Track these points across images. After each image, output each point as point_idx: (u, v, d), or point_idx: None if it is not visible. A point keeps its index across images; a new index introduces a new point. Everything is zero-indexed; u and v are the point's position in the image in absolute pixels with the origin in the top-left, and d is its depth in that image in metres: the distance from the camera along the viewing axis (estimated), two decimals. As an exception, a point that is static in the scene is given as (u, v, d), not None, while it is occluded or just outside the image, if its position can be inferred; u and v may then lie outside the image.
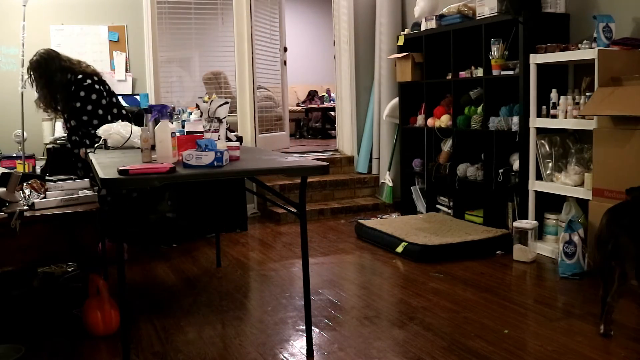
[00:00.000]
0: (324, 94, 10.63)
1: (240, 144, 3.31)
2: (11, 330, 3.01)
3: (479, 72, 4.61)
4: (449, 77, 4.96)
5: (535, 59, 4.01)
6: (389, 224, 4.72)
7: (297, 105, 10.48)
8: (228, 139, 3.16)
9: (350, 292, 3.50)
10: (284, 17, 6.78)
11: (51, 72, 3.99)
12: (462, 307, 3.18)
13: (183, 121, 3.42)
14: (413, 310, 3.15)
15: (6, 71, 5.22)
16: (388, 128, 6.00)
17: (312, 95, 10.64)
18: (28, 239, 2.99)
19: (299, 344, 2.77)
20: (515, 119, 4.27)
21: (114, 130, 3.68)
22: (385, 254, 4.28)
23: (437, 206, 5.34)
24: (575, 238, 3.60)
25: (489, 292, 3.40)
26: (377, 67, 6.17)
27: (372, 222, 4.81)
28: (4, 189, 3.14)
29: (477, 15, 4.58)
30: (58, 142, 4.79)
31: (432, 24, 5.08)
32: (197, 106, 3.41)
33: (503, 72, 4.37)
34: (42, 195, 3.23)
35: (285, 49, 6.75)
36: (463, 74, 4.81)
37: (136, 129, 3.74)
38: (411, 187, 5.67)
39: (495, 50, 4.40)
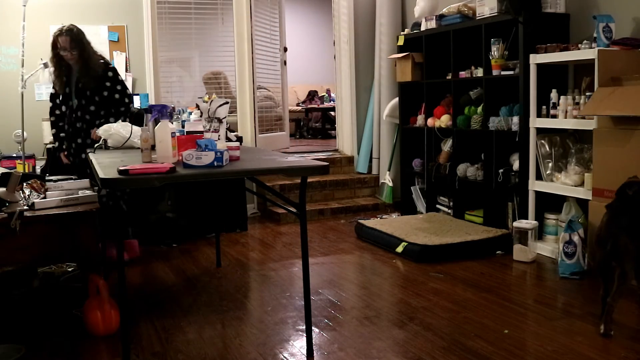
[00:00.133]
0: (324, 94, 10.63)
1: (240, 144, 3.31)
2: (11, 330, 3.01)
3: (479, 72, 4.61)
4: (449, 77, 4.96)
5: (535, 59, 4.01)
6: (389, 224, 4.71)
7: (297, 105, 10.48)
8: (228, 139, 3.16)
9: (350, 292, 3.50)
10: (284, 17, 6.78)
11: (90, 46, 3.97)
12: (462, 307, 3.18)
13: (183, 121, 3.42)
14: (413, 310, 3.15)
15: (6, 71, 5.22)
16: (388, 128, 6.00)
17: (312, 95, 10.64)
18: (28, 239, 2.99)
19: (299, 344, 2.77)
20: (515, 119, 4.27)
21: (114, 130, 3.68)
22: (385, 254, 4.28)
23: (437, 206, 5.34)
24: (575, 238, 3.60)
25: (489, 292, 3.40)
26: (377, 67, 6.17)
27: (372, 222, 4.81)
28: (4, 189, 3.14)
29: (477, 15, 4.58)
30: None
31: (432, 24, 5.08)
32: (197, 106, 3.41)
33: (503, 72, 4.38)
34: (42, 195, 3.23)
35: (285, 49, 6.75)
36: (463, 74, 4.81)
37: (136, 129, 3.74)
38: (411, 187, 5.67)
39: (495, 50, 4.40)
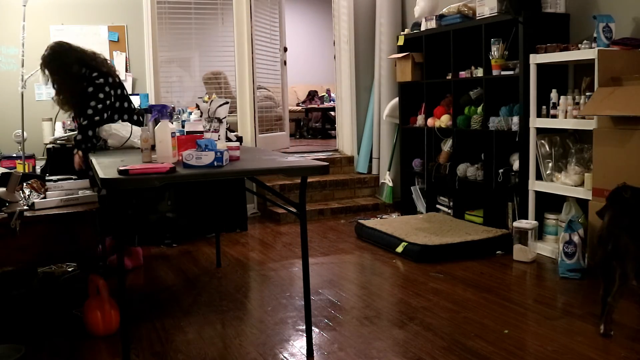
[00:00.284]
0: (324, 94, 10.63)
1: (240, 144, 3.31)
2: (11, 330, 3.01)
3: (479, 72, 4.61)
4: (449, 77, 4.96)
5: (535, 59, 4.01)
6: (389, 224, 4.71)
7: (297, 105, 10.48)
8: (228, 139, 3.16)
9: (350, 292, 3.50)
10: (284, 17, 6.78)
11: (66, 65, 3.80)
12: (462, 307, 3.18)
13: (183, 121, 3.43)
14: (413, 310, 3.15)
15: (6, 71, 5.22)
16: (388, 128, 6.00)
17: (312, 95, 10.64)
18: (28, 239, 2.99)
19: (299, 344, 2.77)
20: (515, 119, 4.26)
21: (114, 130, 3.68)
22: (385, 254, 4.28)
23: (437, 206, 5.34)
24: (575, 238, 3.60)
25: (489, 292, 3.40)
26: (377, 67, 6.17)
27: (372, 222, 4.81)
28: (4, 189, 3.14)
29: (477, 15, 4.57)
30: (58, 142, 4.79)
31: (432, 24, 5.08)
32: (197, 106, 3.42)
33: (503, 72, 4.37)
34: (42, 195, 3.23)
35: (285, 49, 6.75)
36: (463, 74, 4.81)
37: (136, 129, 3.73)
38: (411, 187, 5.67)
39: (495, 50, 4.40)
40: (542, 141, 4.10)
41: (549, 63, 3.98)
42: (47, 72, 3.84)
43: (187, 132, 2.97)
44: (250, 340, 2.83)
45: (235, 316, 3.15)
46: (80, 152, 3.77)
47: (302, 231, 2.66)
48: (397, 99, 5.71)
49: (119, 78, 4.03)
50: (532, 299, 3.26)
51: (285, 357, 2.64)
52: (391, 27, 6.00)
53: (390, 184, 5.90)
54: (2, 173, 3.30)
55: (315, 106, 10.39)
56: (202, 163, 2.48)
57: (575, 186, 3.81)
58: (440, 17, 5.02)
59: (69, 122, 5.00)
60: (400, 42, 5.47)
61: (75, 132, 4.01)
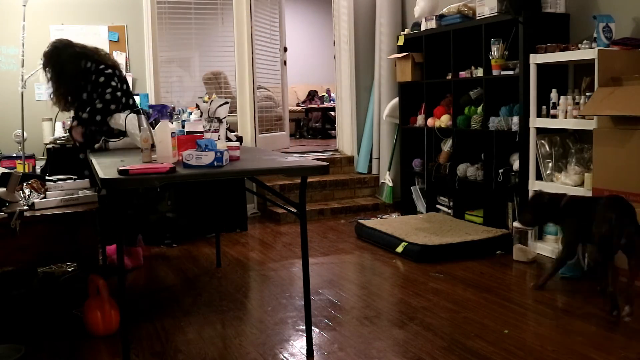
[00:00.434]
0: (324, 94, 10.63)
1: (240, 144, 3.31)
2: (11, 330, 3.01)
3: (479, 72, 4.61)
4: (449, 77, 4.96)
5: (535, 59, 4.01)
6: (389, 224, 4.71)
7: (297, 105, 10.48)
8: (228, 139, 3.16)
9: (350, 292, 3.50)
10: (284, 17, 6.78)
11: (62, 62, 3.81)
12: (462, 307, 3.18)
13: (183, 121, 3.42)
14: (413, 310, 3.15)
15: (6, 71, 5.22)
16: (388, 128, 6.00)
17: (312, 95, 10.64)
18: (28, 239, 2.99)
19: (299, 344, 2.77)
20: (515, 119, 4.27)
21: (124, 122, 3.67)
22: (385, 254, 4.28)
23: (437, 206, 5.34)
24: (575, 238, 3.60)
25: (489, 292, 3.40)
26: (377, 67, 6.17)
27: (372, 222, 4.81)
28: (4, 189, 3.14)
29: (477, 15, 4.58)
30: (58, 142, 4.79)
31: (432, 24, 5.08)
32: (197, 106, 3.41)
33: (503, 72, 4.37)
34: (42, 195, 3.23)
35: (285, 49, 6.75)
36: (463, 74, 4.81)
37: (131, 116, 3.70)
38: (411, 187, 5.67)
39: (495, 50, 4.40)
40: (542, 141, 4.10)
41: (549, 63, 3.98)
42: (48, 67, 3.84)
43: (187, 132, 2.97)
44: (250, 340, 2.83)
45: (235, 316, 3.15)
46: (81, 127, 3.75)
47: (302, 231, 2.66)
48: (397, 99, 5.71)
49: (123, 73, 4.03)
50: (532, 299, 3.26)
51: (285, 357, 2.64)
52: (391, 27, 6.00)
53: (390, 184, 5.90)
54: (2, 173, 3.30)
55: (315, 106, 10.39)
56: (202, 163, 2.48)
57: (575, 186, 3.81)
58: (440, 17, 5.02)
59: (69, 122, 4.99)
60: (400, 42, 5.47)
61: None
